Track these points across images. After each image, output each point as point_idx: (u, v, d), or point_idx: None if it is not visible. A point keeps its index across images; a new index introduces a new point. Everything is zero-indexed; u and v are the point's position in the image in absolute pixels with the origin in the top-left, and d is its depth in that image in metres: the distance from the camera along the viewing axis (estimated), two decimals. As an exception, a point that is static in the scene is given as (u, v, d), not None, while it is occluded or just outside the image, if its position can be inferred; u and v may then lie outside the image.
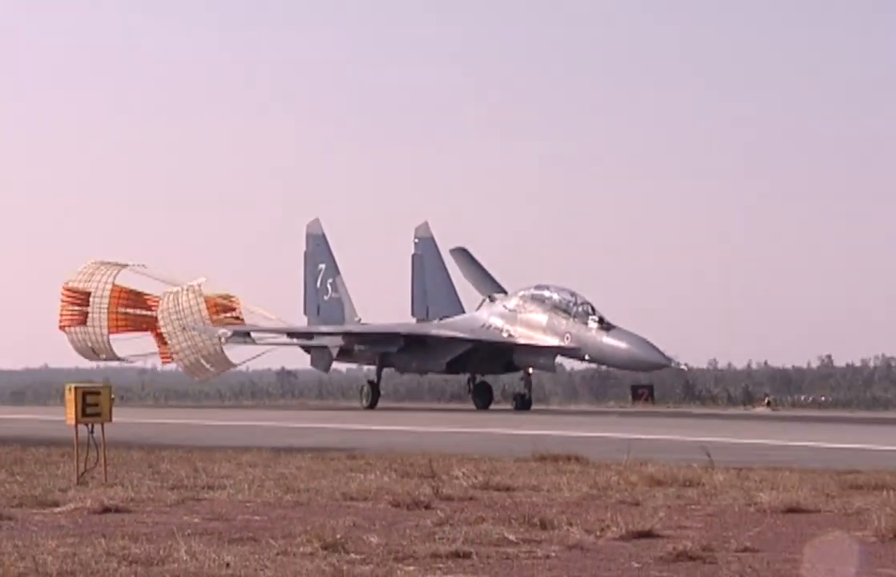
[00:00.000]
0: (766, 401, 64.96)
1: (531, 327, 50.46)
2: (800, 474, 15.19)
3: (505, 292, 53.20)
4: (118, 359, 61.62)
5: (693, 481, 14.28)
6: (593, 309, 48.88)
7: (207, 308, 56.13)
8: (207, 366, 58.08)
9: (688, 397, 71.30)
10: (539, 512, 11.04)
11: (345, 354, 56.19)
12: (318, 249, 58.89)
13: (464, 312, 54.70)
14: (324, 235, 59.26)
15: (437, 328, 53.62)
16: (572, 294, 49.93)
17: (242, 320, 57.36)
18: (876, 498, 12.61)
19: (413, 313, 56.50)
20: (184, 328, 55.65)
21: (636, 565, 8.81)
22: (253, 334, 56.92)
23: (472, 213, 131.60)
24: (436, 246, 56.58)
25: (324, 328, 56.41)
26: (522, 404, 51.00)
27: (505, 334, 51.43)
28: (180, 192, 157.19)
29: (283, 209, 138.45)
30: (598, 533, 10.16)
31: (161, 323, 56.22)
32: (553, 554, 9.27)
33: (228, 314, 57.39)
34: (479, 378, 54.42)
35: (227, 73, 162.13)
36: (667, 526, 10.58)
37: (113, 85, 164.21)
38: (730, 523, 11.08)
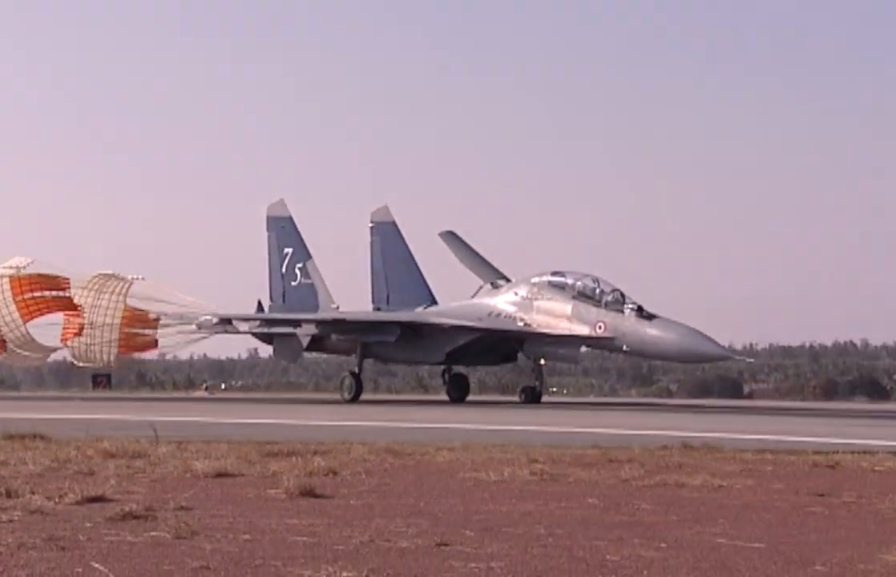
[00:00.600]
0: (204, 387, 65.36)
1: (552, 315, 39.77)
2: (228, 445, 15.37)
3: (507, 279, 42.60)
4: (52, 350, 49.29)
5: (141, 453, 14.08)
6: (624, 296, 38.81)
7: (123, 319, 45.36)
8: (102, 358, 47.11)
9: (140, 383, 71.04)
10: (5, 483, 10.49)
11: (317, 343, 44.31)
12: (284, 233, 47.29)
13: (435, 301, 44.85)
14: (290, 218, 47.73)
15: (437, 316, 42.65)
16: (595, 280, 39.76)
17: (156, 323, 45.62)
18: (287, 463, 12.96)
19: (373, 301, 46.01)
20: (91, 325, 44.95)
21: (89, 524, 8.58)
22: (235, 322, 45.85)
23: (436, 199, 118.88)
24: (398, 230, 46.59)
25: (309, 316, 44.44)
26: (532, 396, 41.56)
27: (520, 323, 40.57)
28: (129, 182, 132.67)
29: (242, 195, 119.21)
30: (57, 500, 9.80)
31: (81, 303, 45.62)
32: (16, 518, 8.85)
33: (143, 329, 46.17)
34: (454, 369, 44.89)
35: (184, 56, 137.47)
36: (117, 492, 10.38)
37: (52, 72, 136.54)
38: (170, 487, 11.01)
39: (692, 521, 9.17)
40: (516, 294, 41.04)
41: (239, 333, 47.77)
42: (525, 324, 40.53)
